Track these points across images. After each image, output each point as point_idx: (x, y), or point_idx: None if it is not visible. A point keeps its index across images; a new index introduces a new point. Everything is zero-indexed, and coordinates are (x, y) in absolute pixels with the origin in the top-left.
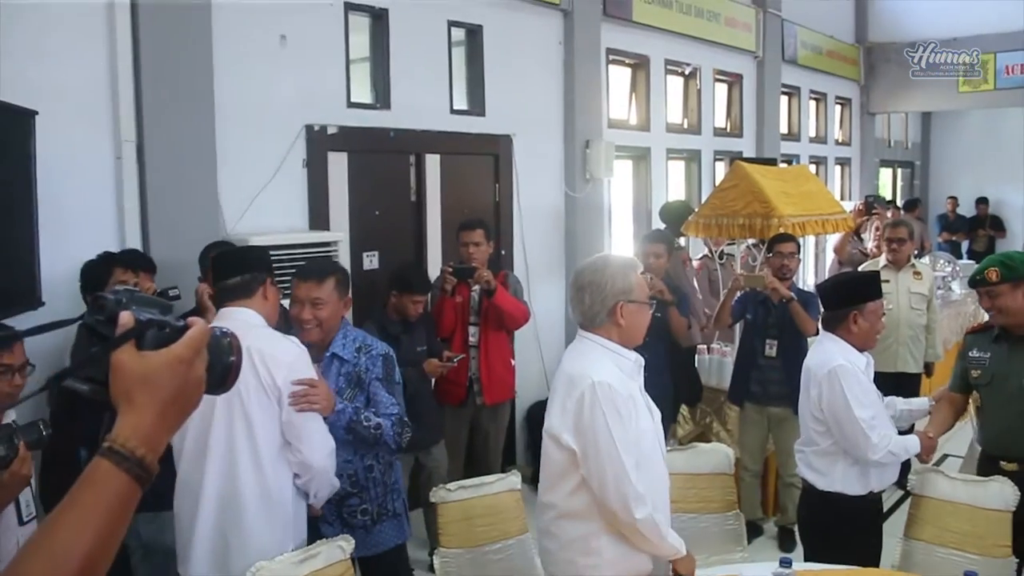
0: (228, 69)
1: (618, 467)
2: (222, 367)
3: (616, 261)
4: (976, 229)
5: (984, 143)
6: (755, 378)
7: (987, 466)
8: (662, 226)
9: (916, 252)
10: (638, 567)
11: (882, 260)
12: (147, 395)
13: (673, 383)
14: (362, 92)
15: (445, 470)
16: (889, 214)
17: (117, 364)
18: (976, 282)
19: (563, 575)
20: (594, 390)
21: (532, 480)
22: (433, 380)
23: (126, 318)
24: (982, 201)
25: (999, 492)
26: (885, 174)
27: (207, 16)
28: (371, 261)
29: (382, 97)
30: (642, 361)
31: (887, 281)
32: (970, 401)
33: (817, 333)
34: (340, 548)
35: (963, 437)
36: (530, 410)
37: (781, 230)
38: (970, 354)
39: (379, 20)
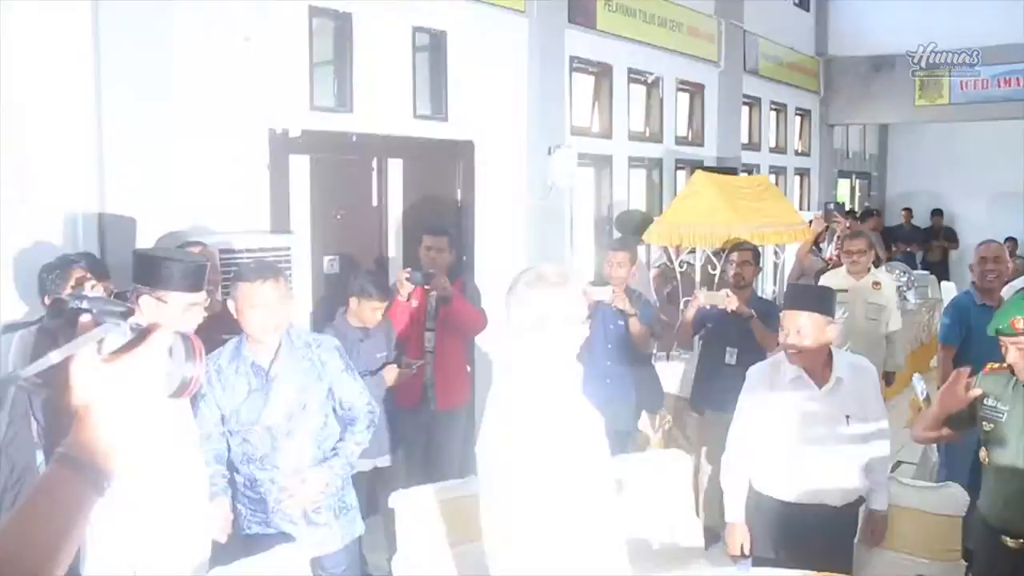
0: (190, 69)
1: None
2: (184, 373)
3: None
4: (930, 241)
5: (939, 156)
6: (716, 386)
7: (986, 538)
8: (618, 235)
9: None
10: None
11: (843, 270)
12: (106, 400)
13: (635, 390)
14: (325, 95)
15: (402, 477)
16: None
17: (77, 368)
18: (1002, 332)
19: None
20: None
21: None
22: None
23: (85, 322)
24: (937, 213)
25: (949, 497)
26: (843, 184)
27: (169, 15)
28: (332, 265)
29: (345, 101)
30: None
31: (845, 290)
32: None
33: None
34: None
35: (915, 444)
36: None
37: (746, 239)
38: (985, 402)
39: (343, 23)
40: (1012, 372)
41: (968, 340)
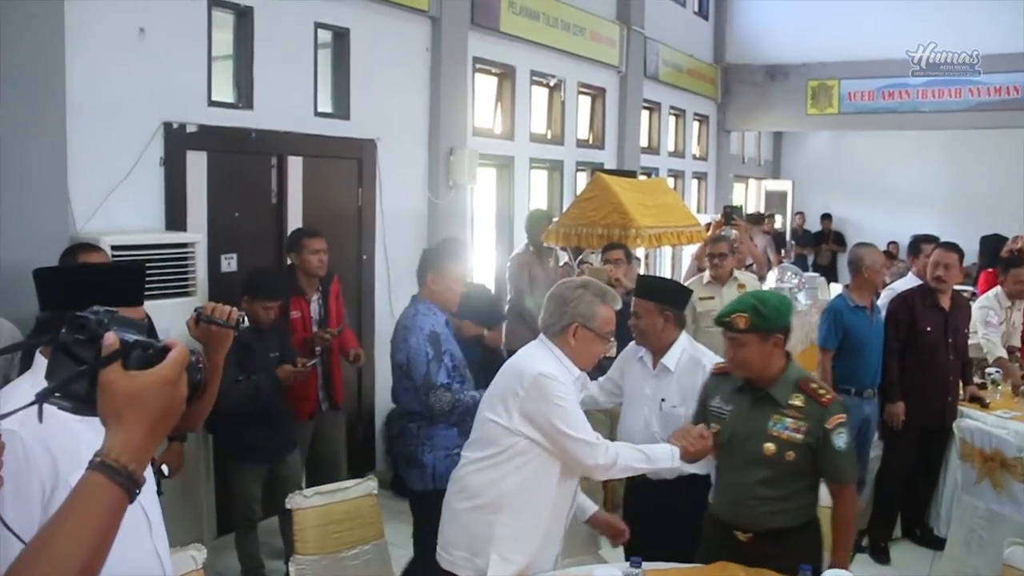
0: (82, 61)
1: (574, 432)
2: (193, 383)
3: (594, 288)
4: (820, 244)
5: (829, 163)
6: (596, 376)
7: (718, 533)
8: (524, 235)
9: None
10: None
11: (706, 276)
12: (136, 413)
13: None
14: (224, 90)
15: (300, 478)
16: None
17: (106, 383)
18: (723, 324)
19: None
20: (541, 379)
21: (391, 485)
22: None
23: (111, 339)
24: (826, 217)
25: None
26: (739, 189)
27: (59, 5)
28: (229, 264)
29: (245, 96)
30: (585, 380)
31: (711, 298)
32: None
33: None
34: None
35: None
36: (390, 416)
37: (639, 241)
38: (711, 403)
39: (244, 18)
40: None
41: (845, 341)
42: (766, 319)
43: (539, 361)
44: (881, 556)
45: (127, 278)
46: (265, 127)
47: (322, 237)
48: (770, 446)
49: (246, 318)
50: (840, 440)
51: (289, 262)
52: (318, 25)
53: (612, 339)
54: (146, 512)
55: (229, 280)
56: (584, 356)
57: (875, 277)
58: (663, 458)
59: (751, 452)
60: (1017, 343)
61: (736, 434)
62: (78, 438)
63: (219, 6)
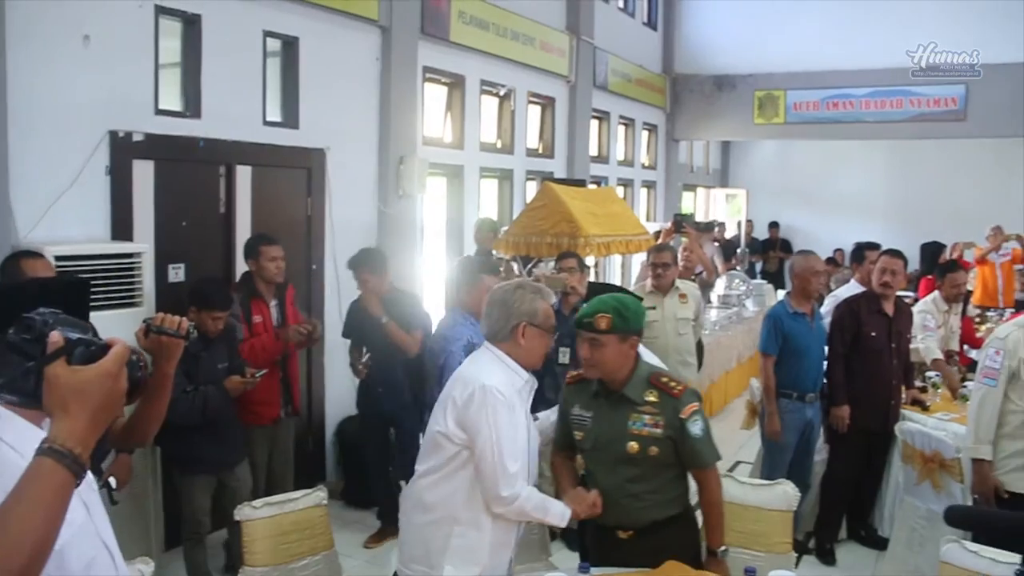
0: (24, 68)
1: (496, 455)
2: (133, 381)
3: (529, 287)
4: (768, 251)
5: (776, 172)
6: (549, 384)
7: (602, 533)
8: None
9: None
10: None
11: (648, 285)
12: (80, 404)
13: None
14: (171, 99)
15: (249, 489)
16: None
17: (52, 377)
18: (583, 325)
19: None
20: (484, 391)
21: (342, 496)
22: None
23: (56, 337)
24: (773, 225)
25: (782, 494)
26: (688, 197)
27: (0, 11)
28: (177, 274)
29: (192, 105)
30: (534, 384)
31: (653, 308)
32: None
33: None
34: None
35: (754, 444)
36: (340, 425)
37: (587, 250)
38: (572, 412)
39: (191, 25)
40: (597, 380)
41: (784, 345)
42: (626, 321)
43: (485, 371)
44: (827, 557)
45: (72, 292)
46: (213, 136)
47: (279, 244)
48: (633, 444)
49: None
50: (696, 427)
51: (247, 269)
52: (267, 33)
53: (564, 348)
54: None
55: (177, 290)
56: (533, 354)
57: (803, 284)
58: (555, 515)
59: (617, 453)
60: (955, 347)
61: (600, 438)
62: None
63: (166, 14)
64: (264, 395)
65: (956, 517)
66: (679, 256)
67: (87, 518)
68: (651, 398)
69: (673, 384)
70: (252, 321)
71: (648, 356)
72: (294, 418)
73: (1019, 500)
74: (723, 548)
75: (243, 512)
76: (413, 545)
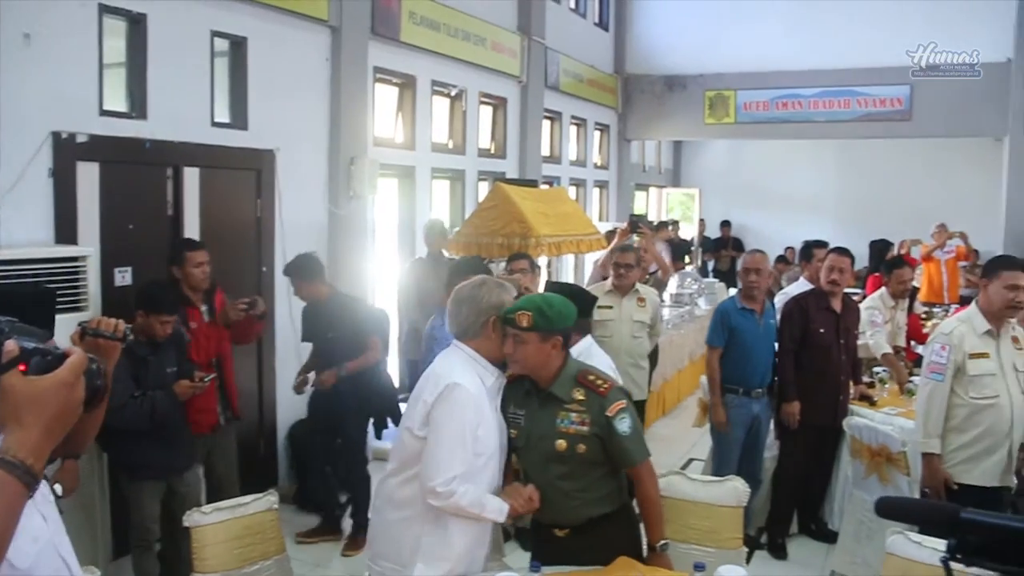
0: None
1: (443, 449)
2: (92, 389)
3: (491, 282)
4: (720, 250)
5: (728, 171)
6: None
7: (541, 532)
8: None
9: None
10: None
11: (608, 284)
12: (34, 414)
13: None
14: (116, 100)
15: (199, 495)
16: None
17: (7, 387)
18: (507, 321)
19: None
20: (453, 389)
21: (293, 499)
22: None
23: (11, 346)
24: (725, 224)
25: (732, 490)
26: (640, 197)
27: None
28: (123, 277)
29: (138, 106)
30: (504, 380)
31: (611, 307)
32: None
33: None
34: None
35: (706, 442)
36: (292, 429)
37: (539, 250)
38: (508, 410)
39: (136, 25)
40: (529, 378)
41: (731, 341)
42: (548, 320)
43: (456, 369)
44: (779, 552)
45: (36, 304)
46: (160, 137)
47: (205, 249)
48: (561, 442)
49: (140, 332)
50: (623, 425)
51: (173, 275)
52: (215, 33)
53: None
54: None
55: (124, 294)
56: (502, 347)
57: (743, 280)
58: (492, 511)
59: (546, 451)
60: (902, 343)
61: (531, 436)
62: None
63: (110, 13)
64: (201, 403)
65: (884, 508)
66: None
67: (48, 532)
68: (578, 396)
69: (600, 382)
70: (189, 327)
71: (599, 355)
72: (236, 422)
73: (968, 492)
74: (663, 543)
75: (192, 518)
76: (383, 542)
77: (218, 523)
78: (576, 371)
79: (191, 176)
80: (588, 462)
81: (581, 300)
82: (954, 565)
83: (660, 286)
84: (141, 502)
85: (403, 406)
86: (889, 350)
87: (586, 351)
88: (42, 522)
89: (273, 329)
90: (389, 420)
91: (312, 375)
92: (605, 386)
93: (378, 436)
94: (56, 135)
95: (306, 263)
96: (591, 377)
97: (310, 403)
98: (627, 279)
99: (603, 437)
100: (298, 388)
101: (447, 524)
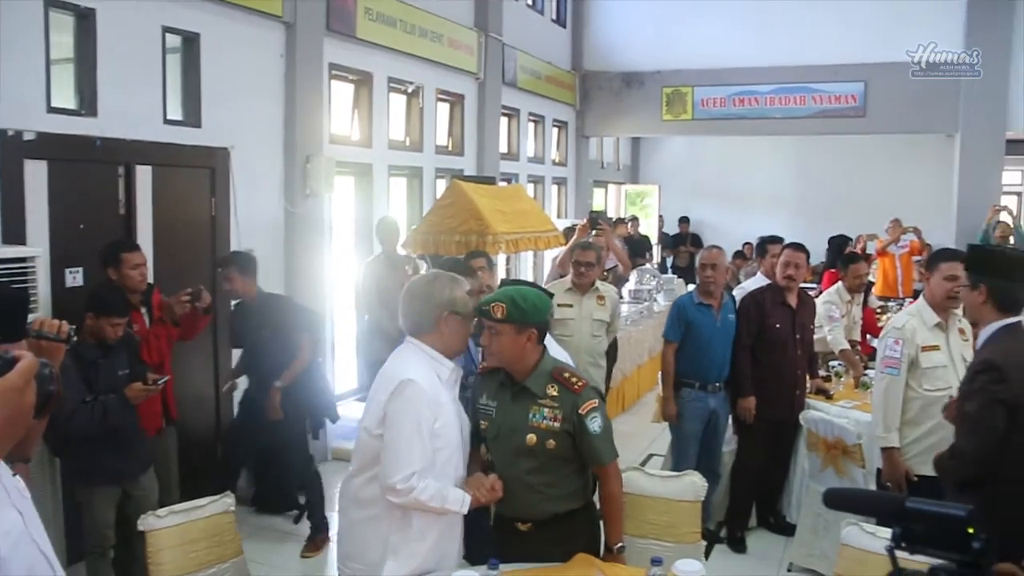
0: None
1: (400, 446)
2: (45, 395)
3: (444, 277)
4: (679, 246)
5: (686, 167)
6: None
7: (504, 525)
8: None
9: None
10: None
11: (567, 282)
12: None
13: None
14: (65, 96)
15: (156, 498)
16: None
17: None
18: (482, 313)
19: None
20: (406, 385)
21: (252, 502)
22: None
23: None
24: (684, 220)
25: (690, 485)
26: (599, 193)
27: None
28: (74, 278)
29: (88, 103)
30: (460, 372)
31: (570, 306)
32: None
33: None
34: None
35: (666, 438)
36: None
37: (501, 246)
38: (480, 401)
39: (85, 20)
40: (503, 371)
41: (688, 335)
42: (523, 312)
43: (409, 366)
44: (738, 545)
45: (3, 309)
46: (111, 135)
47: (141, 251)
48: (532, 436)
49: (90, 335)
50: (594, 424)
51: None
52: (166, 29)
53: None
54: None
55: (75, 295)
56: (457, 340)
57: (700, 276)
58: (454, 503)
59: (517, 444)
60: (858, 337)
61: (502, 428)
62: None
63: (57, 7)
64: (145, 407)
65: (832, 500)
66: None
67: (23, 526)
68: (552, 392)
69: (575, 380)
70: (132, 330)
71: (558, 353)
72: (173, 425)
73: (930, 483)
74: (620, 544)
75: (147, 522)
76: (351, 543)
77: (173, 527)
78: (552, 367)
79: (143, 174)
80: (557, 458)
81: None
82: (900, 553)
83: (619, 282)
84: (96, 508)
85: (361, 406)
86: (846, 345)
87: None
88: (16, 516)
89: (227, 329)
90: (327, 420)
91: (236, 381)
92: (579, 384)
93: (315, 436)
94: (2, 132)
95: (246, 256)
96: (566, 374)
97: (241, 406)
98: (587, 277)
99: (574, 435)
100: (227, 391)
101: (412, 520)
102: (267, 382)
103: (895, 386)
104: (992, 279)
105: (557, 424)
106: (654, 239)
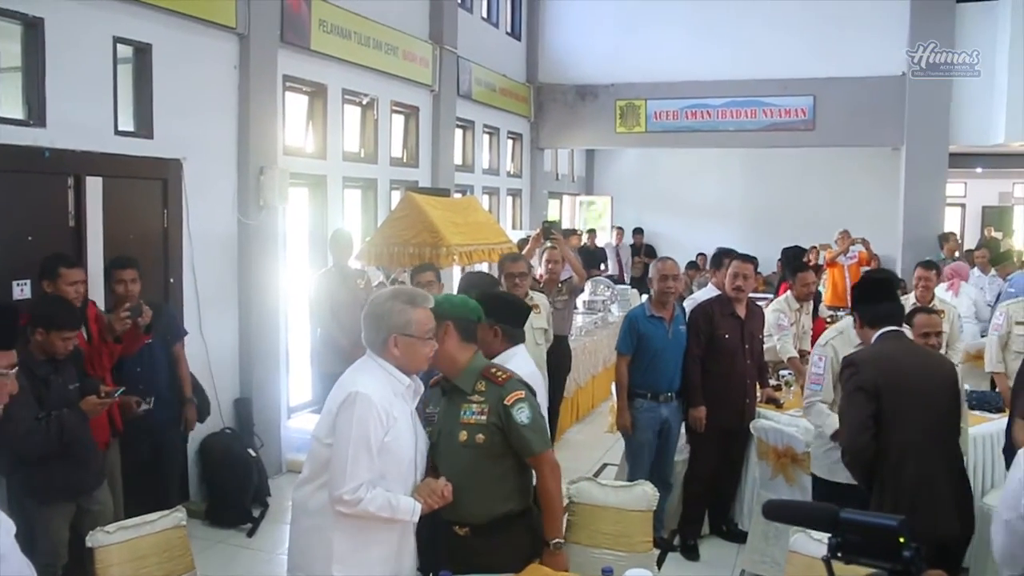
0: None
1: (347, 457)
2: None
3: (403, 297)
4: (633, 257)
5: (640, 179)
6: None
7: (442, 532)
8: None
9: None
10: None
11: None
12: None
13: None
14: (12, 106)
15: (111, 513)
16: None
17: None
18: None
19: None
20: (355, 397)
21: (206, 515)
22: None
23: None
24: (638, 231)
25: (642, 494)
26: (553, 205)
27: None
28: (22, 291)
29: (36, 113)
30: (420, 388)
31: None
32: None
33: None
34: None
35: (620, 448)
36: (204, 442)
37: (455, 258)
38: (426, 411)
39: (33, 29)
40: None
41: (640, 347)
42: (438, 306)
43: (362, 378)
44: (691, 553)
45: None
46: (60, 146)
47: (81, 267)
48: (463, 433)
49: (39, 350)
50: (521, 414)
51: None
52: (117, 40)
53: None
54: None
55: (22, 308)
56: (413, 360)
57: (654, 287)
58: (404, 511)
59: (452, 444)
60: (807, 346)
61: (442, 431)
62: None
63: (4, 16)
64: (93, 422)
65: (770, 511)
66: (544, 263)
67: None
68: (480, 387)
69: (499, 373)
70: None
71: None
72: (118, 438)
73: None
74: (556, 540)
75: (95, 538)
76: (298, 552)
77: (123, 542)
78: (482, 366)
79: (94, 186)
80: (491, 454)
81: (517, 309)
82: (835, 563)
83: (575, 291)
84: (49, 526)
85: (314, 418)
86: (795, 354)
87: (509, 356)
88: (9, 521)
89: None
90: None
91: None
92: (503, 376)
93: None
94: None
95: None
96: (493, 370)
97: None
98: (521, 288)
99: (502, 427)
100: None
101: (358, 529)
102: (153, 390)
103: (823, 399)
104: (857, 306)
105: (484, 417)
106: (611, 253)
